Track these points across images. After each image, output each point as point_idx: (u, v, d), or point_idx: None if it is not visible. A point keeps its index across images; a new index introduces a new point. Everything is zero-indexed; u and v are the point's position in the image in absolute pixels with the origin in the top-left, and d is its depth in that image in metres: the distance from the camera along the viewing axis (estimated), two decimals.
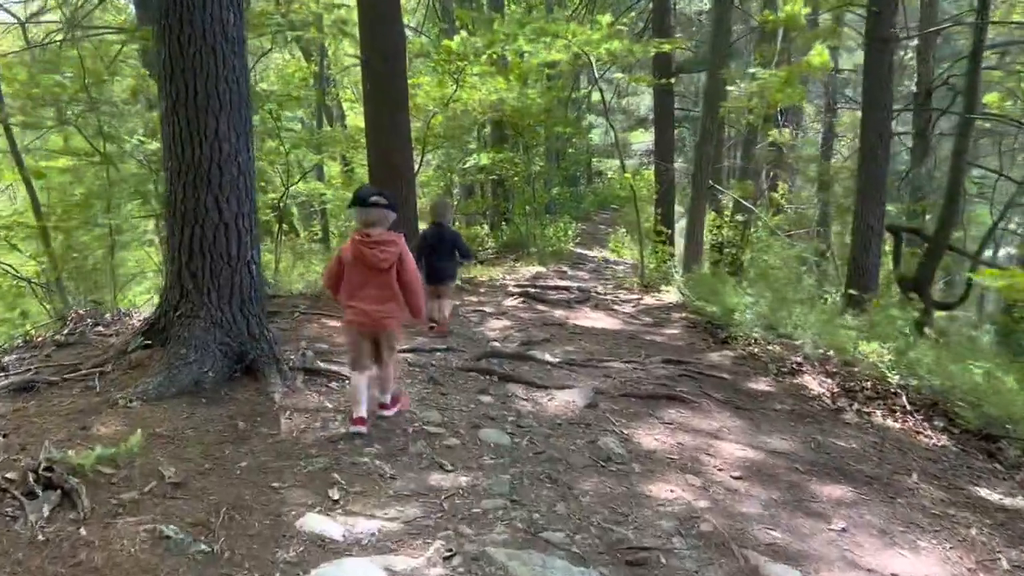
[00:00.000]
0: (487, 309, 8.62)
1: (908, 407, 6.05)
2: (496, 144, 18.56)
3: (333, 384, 4.96)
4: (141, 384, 4.41)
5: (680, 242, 19.01)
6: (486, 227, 21.66)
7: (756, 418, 5.38)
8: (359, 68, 11.61)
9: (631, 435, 4.69)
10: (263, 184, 14.61)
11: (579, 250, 20.51)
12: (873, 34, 9.12)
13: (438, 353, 6.05)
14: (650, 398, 5.42)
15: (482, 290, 10.64)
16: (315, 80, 20.17)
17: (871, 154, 9.37)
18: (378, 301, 4.22)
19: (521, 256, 17.50)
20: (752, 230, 17.42)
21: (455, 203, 17.23)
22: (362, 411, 4.20)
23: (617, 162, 30.75)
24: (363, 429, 4.15)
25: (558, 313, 8.84)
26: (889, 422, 5.80)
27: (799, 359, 7.15)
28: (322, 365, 5.24)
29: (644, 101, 28.89)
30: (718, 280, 10.11)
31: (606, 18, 12.78)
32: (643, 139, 29.26)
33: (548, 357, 6.28)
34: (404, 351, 5.81)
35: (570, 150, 23.38)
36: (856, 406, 6.04)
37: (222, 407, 4.38)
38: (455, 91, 12.58)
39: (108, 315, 6.69)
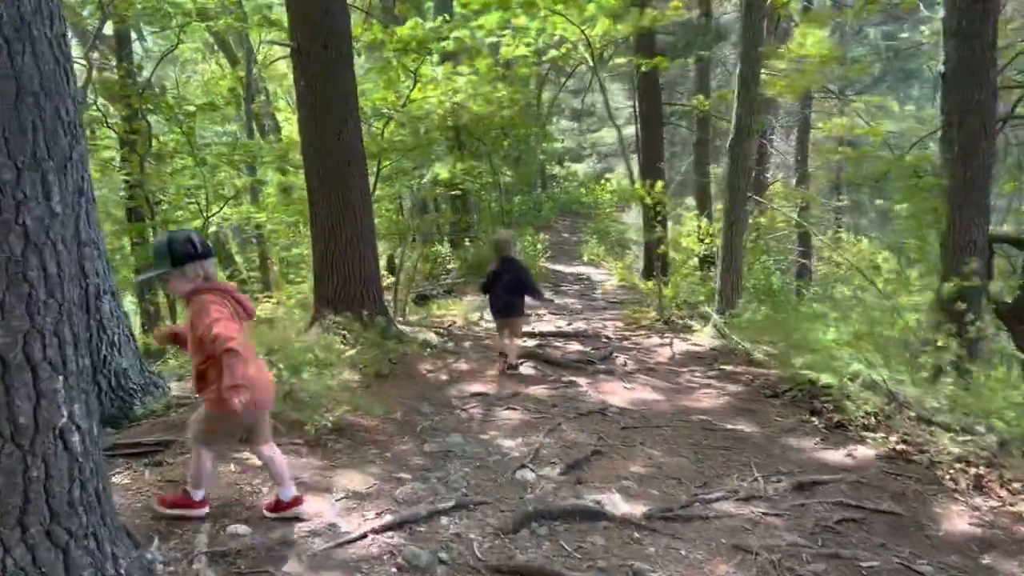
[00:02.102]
0: (488, 390, 6.11)
1: None
2: (453, 153, 16.07)
3: None
4: None
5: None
6: (446, 246, 19.15)
7: None
8: (291, 72, 8.91)
9: None
10: (182, 213, 11.93)
11: (552, 266, 18.18)
12: None
13: (443, 520, 3.53)
14: None
15: (467, 344, 8.13)
16: (243, 87, 17.48)
17: (971, 147, 7.21)
18: (261, 365, 3.47)
19: None
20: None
21: (414, 221, 14.54)
22: (202, 493, 3.35)
23: (581, 166, 28.57)
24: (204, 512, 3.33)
25: (584, 384, 6.40)
26: None
27: (963, 453, 4.84)
28: None
29: (611, 99, 26.63)
30: (780, 318, 7.83)
31: None
32: (612, 137, 27.06)
33: (622, 505, 3.82)
34: (381, 530, 3.32)
35: (541, 156, 20.97)
36: None
37: None
38: (412, 89, 10.05)
39: None
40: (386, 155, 10.09)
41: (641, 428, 5.23)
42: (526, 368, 6.90)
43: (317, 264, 7.81)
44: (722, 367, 7.17)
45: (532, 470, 4.28)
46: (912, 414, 5.55)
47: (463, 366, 6.94)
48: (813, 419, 5.54)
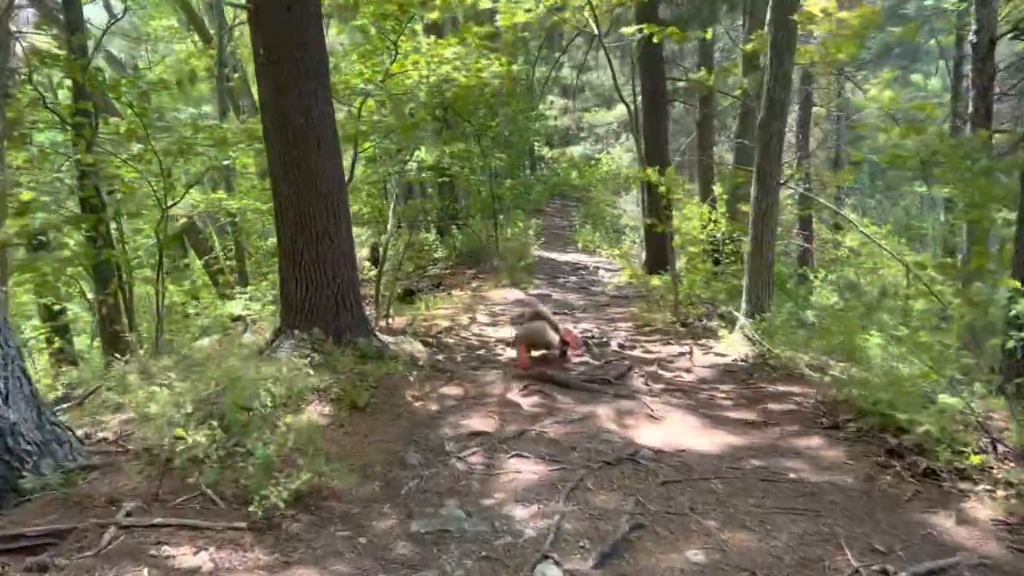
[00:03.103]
0: (489, 427, 5.00)
1: None
2: (442, 134, 14.85)
3: None
4: None
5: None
6: (433, 234, 18.00)
7: None
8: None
9: None
10: (150, 205, 10.68)
11: (545, 253, 17.07)
12: None
13: None
14: None
15: (460, 358, 7.03)
16: (216, 63, 16.19)
17: None
18: None
19: (483, 271, 13.94)
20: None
21: (398, 207, 13.23)
22: None
23: (577, 148, 27.37)
24: None
25: (603, 416, 5.29)
26: None
27: None
28: None
29: (608, 75, 25.49)
30: (822, 322, 6.79)
31: None
32: (609, 118, 25.91)
33: None
34: None
35: (535, 138, 19.74)
36: None
37: None
38: (392, 60, 8.85)
39: None
40: (364, 137, 8.90)
41: (685, 482, 4.15)
42: (532, 396, 5.79)
43: (283, 266, 6.66)
44: (760, 385, 6.10)
45: (556, 563, 3.18)
46: (1005, 451, 4.52)
47: (457, 390, 5.82)
48: (893, 463, 4.47)
